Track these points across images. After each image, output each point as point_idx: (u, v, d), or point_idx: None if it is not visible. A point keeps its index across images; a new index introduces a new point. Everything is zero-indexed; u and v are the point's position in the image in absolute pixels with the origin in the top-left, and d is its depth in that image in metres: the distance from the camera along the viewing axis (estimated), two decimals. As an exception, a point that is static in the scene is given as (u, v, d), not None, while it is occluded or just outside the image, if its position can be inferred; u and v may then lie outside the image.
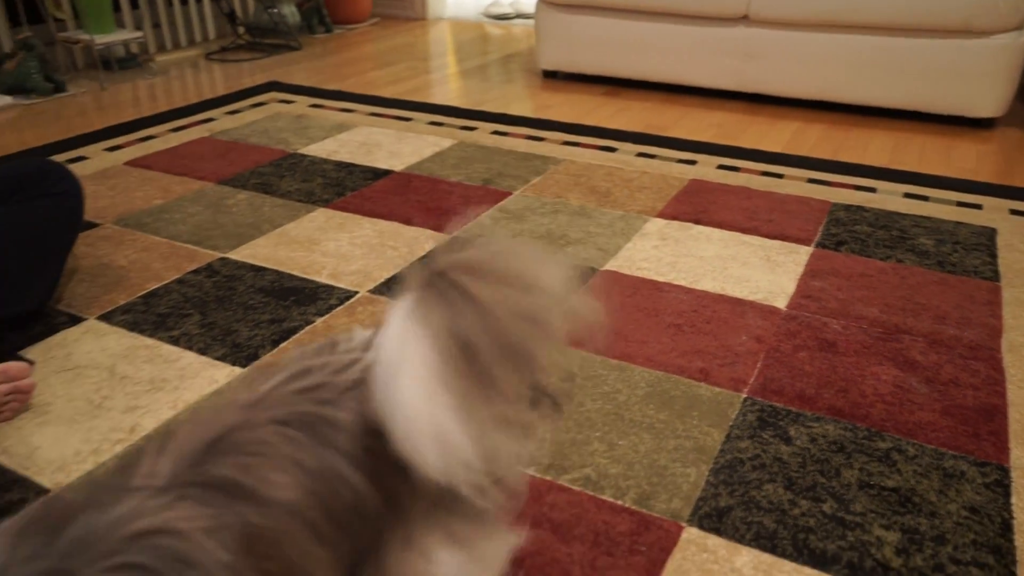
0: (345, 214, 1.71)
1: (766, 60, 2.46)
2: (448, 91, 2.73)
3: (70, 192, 1.32)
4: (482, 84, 2.82)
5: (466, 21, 4.01)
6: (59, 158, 2.06)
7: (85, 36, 2.75)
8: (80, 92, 2.72)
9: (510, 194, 1.83)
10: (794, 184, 1.91)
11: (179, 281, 1.43)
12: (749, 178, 1.94)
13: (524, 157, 2.07)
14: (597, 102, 2.61)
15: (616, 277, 1.47)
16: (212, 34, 3.53)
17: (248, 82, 2.85)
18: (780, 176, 1.96)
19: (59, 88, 2.68)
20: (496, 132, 2.26)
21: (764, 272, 1.49)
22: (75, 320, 1.31)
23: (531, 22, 3.97)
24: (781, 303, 1.39)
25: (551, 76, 2.92)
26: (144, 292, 1.39)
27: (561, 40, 2.76)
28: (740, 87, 2.54)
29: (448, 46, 3.47)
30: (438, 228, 1.65)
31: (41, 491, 0.95)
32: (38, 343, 1.24)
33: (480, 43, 3.52)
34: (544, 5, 2.76)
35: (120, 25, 3.07)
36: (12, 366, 1.07)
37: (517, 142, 2.18)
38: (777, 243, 1.61)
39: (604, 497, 0.96)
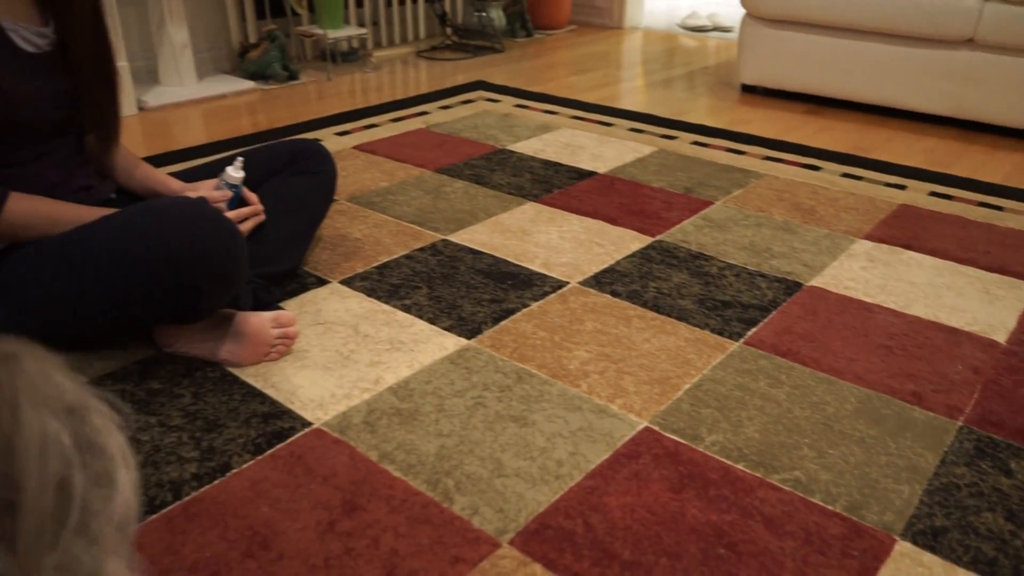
0: (553, 209, 1.81)
1: (988, 86, 2.34)
2: (646, 99, 2.79)
3: (328, 171, 1.49)
4: (680, 94, 2.85)
5: (661, 31, 4.05)
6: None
7: (319, 31, 3.03)
8: (309, 81, 3.00)
9: (712, 203, 1.86)
10: (1016, 218, 1.82)
11: (407, 257, 1.58)
12: (964, 208, 1.87)
13: (725, 169, 2.09)
14: (798, 119, 2.58)
15: (822, 294, 1.48)
16: (423, 33, 3.77)
17: (455, 80, 3.04)
18: (999, 208, 1.87)
19: (292, 76, 2.97)
20: (696, 143, 2.30)
21: (982, 304, 1.45)
22: (321, 282, 1.48)
23: (727, 35, 3.95)
24: (1001, 337, 1.35)
25: (750, 90, 2.91)
26: (377, 263, 1.55)
27: (764, 54, 2.74)
28: (955, 113, 2.43)
29: (644, 55, 3.52)
30: (642, 230, 1.72)
31: (305, 423, 1.10)
32: (293, 298, 1.42)
33: (676, 54, 3.55)
34: (750, 19, 2.76)
35: (347, 22, 3.35)
36: (283, 315, 1.23)
37: (717, 154, 2.21)
38: (996, 276, 1.55)
39: (814, 500, 0.98)
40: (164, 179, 1.37)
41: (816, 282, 1.52)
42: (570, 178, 2.00)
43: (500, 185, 1.95)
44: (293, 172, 1.46)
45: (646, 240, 1.67)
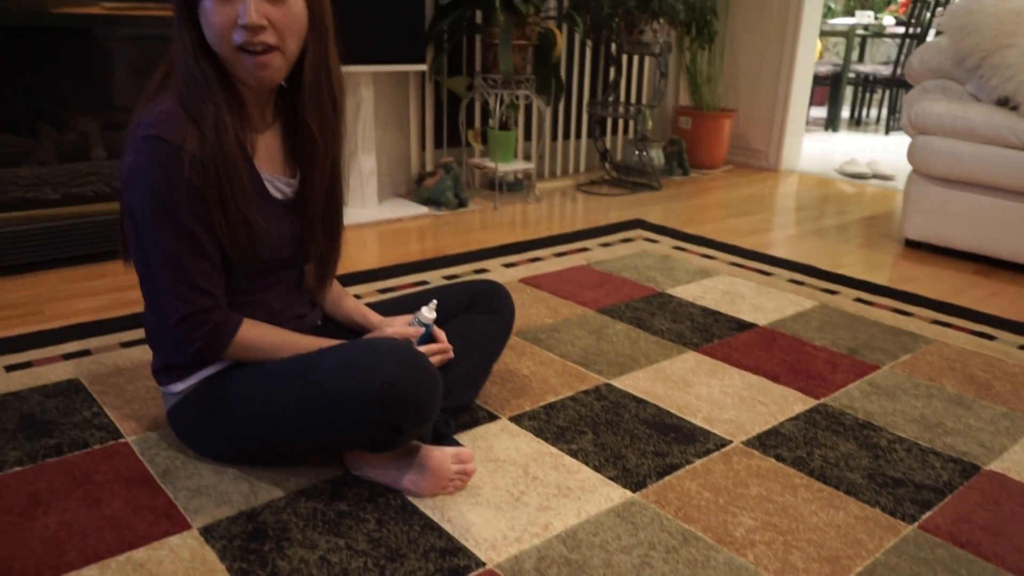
0: (714, 361, 1.84)
1: None
2: (805, 248, 2.80)
3: (508, 312, 1.59)
4: (840, 245, 2.84)
5: (818, 176, 4.07)
6: (464, 269, 2.46)
7: (490, 164, 3.26)
8: (477, 209, 3.21)
9: (878, 368, 1.84)
10: None
11: (572, 399, 1.64)
12: None
13: (891, 331, 2.06)
14: (967, 280, 2.51)
15: (1003, 481, 1.41)
16: (583, 167, 3.97)
17: (614, 216, 3.17)
18: None
19: (462, 204, 3.20)
20: (859, 299, 2.28)
21: None
22: (492, 417, 1.56)
23: (887, 184, 3.92)
24: None
25: (914, 246, 2.86)
26: (544, 403, 1.62)
27: (930, 211, 2.71)
28: None
29: (801, 200, 3.55)
30: (806, 391, 1.71)
31: (479, 563, 1.16)
32: (466, 432, 1.50)
33: (834, 201, 3.55)
34: (916, 175, 2.75)
35: (515, 156, 3.59)
36: (463, 452, 1.32)
37: (882, 313, 2.18)
38: None
39: None
40: (365, 311, 1.51)
41: (995, 466, 1.46)
42: (730, 328, 2.03)
43: (661, 331, 2.00)
44: (476, 311, 1.58)
45: (810, 402, 1.66)
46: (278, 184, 1.32)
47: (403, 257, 2.56)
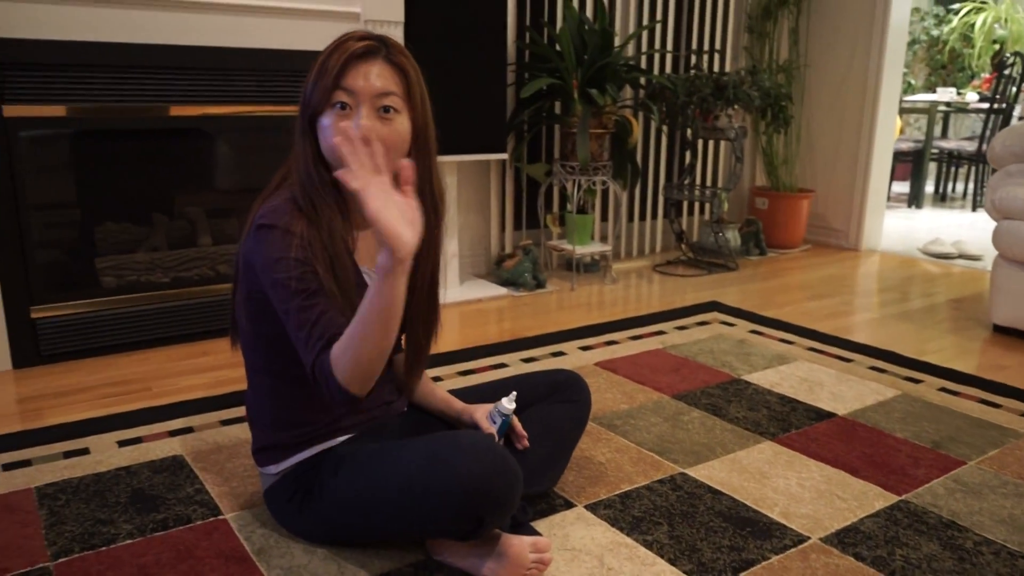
0: (792, 452, 1.84)
1: None
2: (887, 333, 2.76)
3: (585, 402, 1.65)
4: (924, 330, 2.80)
5: (901, 256, 4.01)
6: (541, 351, 2.53)
7: (568, 246, 3.36)
8: (555, 290, 3.30)
9: (964, 463, 1.80)
10: None
11: (647, 488, 1.67)
12: None
13: (978, 423, 2.01)
14: (1062, 370, 2.43)
15: (1099, 590, 1.36)
16: (659, 247, 4.03)
17: (690, 298, 3.20)
18: None
19: (540, 285, 3.29)
20: (944, 389, 2.23)
21: None
22: (568, 504, 1.60)
23: (975, 264, 3.83)
24: None
25: (1003, 331, 2.79)
26: (619, 491, 1.65)
27: (1019, 296, 2.65)
28: None
29: (882, 282, 3.50)
30: (887, 486, 1.69)
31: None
32: (542, 519, 1.55)
33: (918, 282, 3.49)
34: (1002, 260, 2.70)
35: (592, 238, 3.68)
36: (540, 541, 1.36)
37: (969, 404, 2.13)
38: None
39: None
40: (449, 399, 1.59)
41: (1092, 574, 1.40)
42: (808, 418, 2.03)
43: (737, 419, 2.01)
44: (553, 400, 1.63)
45: (891, 499, 1.64)
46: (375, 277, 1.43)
47: (482, 338, 2.65)
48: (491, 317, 2.92)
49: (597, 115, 3.22)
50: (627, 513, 1.57)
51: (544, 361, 2.41)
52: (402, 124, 1.31)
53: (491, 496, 1.22)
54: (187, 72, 2.41)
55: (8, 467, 1.71)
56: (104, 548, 1.42)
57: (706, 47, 4.00)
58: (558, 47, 3.31)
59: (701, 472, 1.74)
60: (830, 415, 2.05)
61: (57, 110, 2.26)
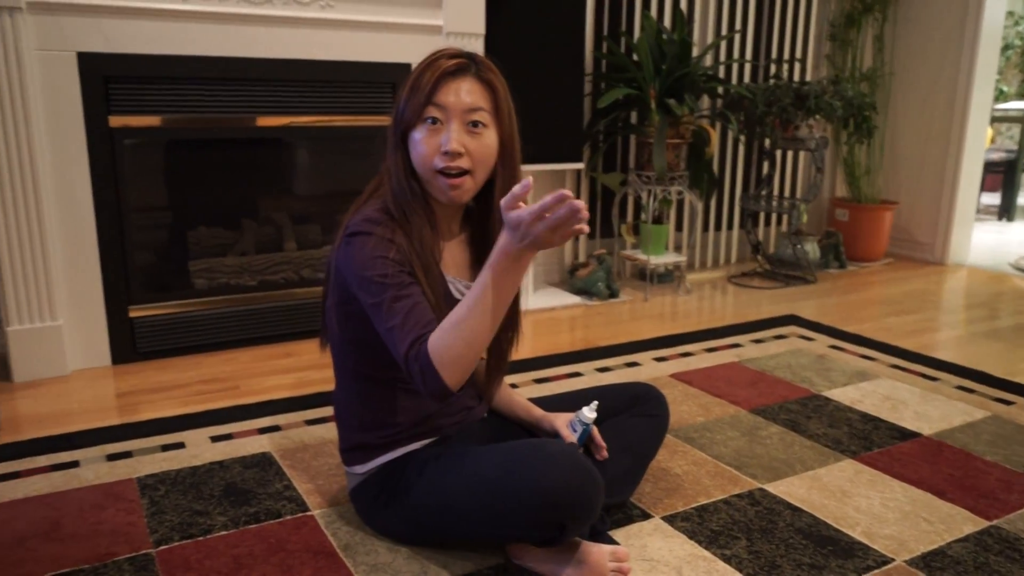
0: (874, 471, 1.80)
1: None
2: (975, 351, 2.67)
3: (664, 416, 1.65)
4: (1015, 349, 2.69)
5: (990, 271, 3.86)
6: (616, 361, 2.53)
7: (642, 256, 3.35)
8: (628, 300, 3.29)
9: (1059, 489, 1.73)
10: None
11: (725, 502, 1.66)
12: None
13: (1074, 448, 1.93)
14: None
15: None
16: (734, 259, 3.98)
17: (766, 311, 3.15)
18: None
19: (613, 294, 3.29)
20: (1037, 411, 2.15)
21: None
22: (645, 515, 1.61)
23: (1071, 281, 3.66)
24: None
25: (1102, 352, 2.66)
26: (696, 504, 1.65)
27: (1121, 317, 2.53)
28: None
29: (970, 298, 3.38)
30: (976, 511, 1.64)
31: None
32: (620, 528, 1.56)
33: (1008, 299, 3.36)
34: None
35: (666, 248, 3.66)
36: (619, 551, 1.37)
37: (1064, 428, 2.05)
38: None
39: None
40: (529, 407, 1.62)
41: None
42: (891, 437, 1.98)
43: (817, 435, 1.98)
44: (633, 413, 1.64)
45: (981, 523, 1.59)
46: (459, 287, 1.47)
47: (555, 346, 2.67)
48: (564, 326, 2.94)
49: (674, 125, 3.21)
50: (705, 526, 1.56)
51: (618, 371, 2.42)
52: (490, 138, 1.36)
53: (575, 504, 1.24)
54: (274, 84, 2.51)
55: (112, 457, 1.82)
56: (201, 538, 1.49)
57: (786, 56, 3.94)
58: (635, 57, 3.31)
59: (780, 488, 1.72)
60: (915, 435, 2.00)
61: (153, 120, 2.38)
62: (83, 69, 2.24)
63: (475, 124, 1.34)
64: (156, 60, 2.33)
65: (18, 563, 1.41)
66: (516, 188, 1.12)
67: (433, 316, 1.28)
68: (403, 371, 1.25)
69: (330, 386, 2.27)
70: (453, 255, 1.48)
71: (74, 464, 1.78)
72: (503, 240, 1.16)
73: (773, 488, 1.72)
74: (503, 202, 1.14)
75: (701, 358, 2.55)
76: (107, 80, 2.28)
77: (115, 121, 2.32)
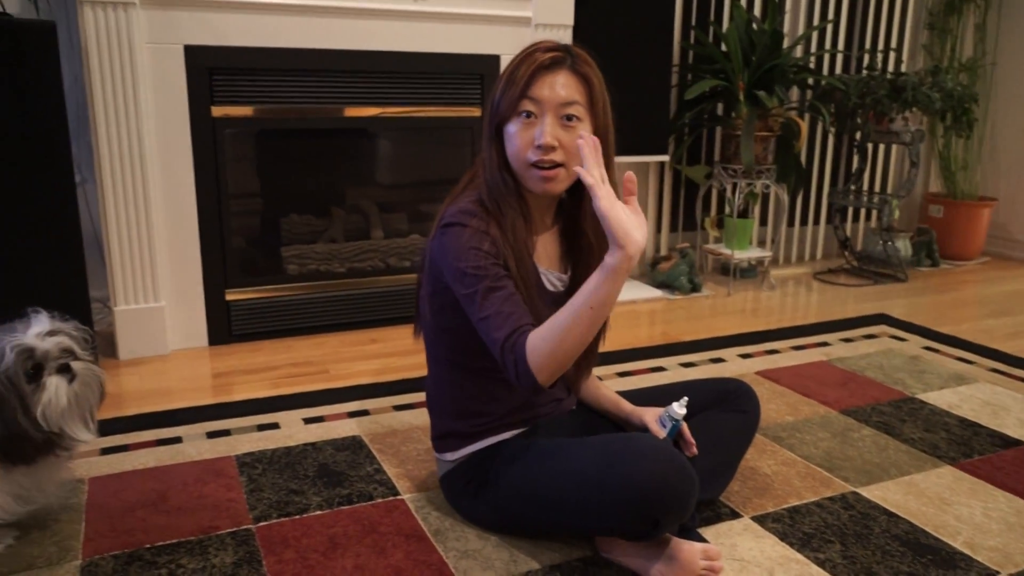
0: (975, 479, 1.74)
1: None
2: (1082, 358, 2.54)
3: (755, 413, 1.63)
4: None
5: (1097, 273, 3.66)
6: (700, 356, 2.50)
7: (726, 251, 3.30)
8: (710, 295, 3.25)
9: None
10: None
11: (817, 504, 1.63)
12: None
13: None
14: None
15: None
16: (820, 254, 3.88)
17: (854, 309, 3.06)
18: None
19: (695, 289, 3.25)
20: None
21: None
22: (734, 514, 1.59)
23: None
24: None
25: None
26: (787, 505, 1.62)
27: None
28: None
29: (1076, 301, 3.22)
30: (1087, 525, 1.57)
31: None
32: (709, 527, 1.54)
33: (1119, 304, 3.18)
34: None
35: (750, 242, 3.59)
36: (711, 549, 1.36)
37: None
38: None
39: None
40: (618, 400, 1.62)
41: None
42: (993, 444, 1.91)
43: (912, 440, 1.92)
44: (723, 409, 1.62)
45: (1092, 539, 1.52)
46: (551, 278, 1.48)
47: (636, 340, 2.65)
48: (645, 319, 2.92)
49: (763, 117, 3.15)
50: (797, 528, 1.54)
51: (703, 367, 2.39)
52: (584, 131, 1.35)
53: (668, 499, 1.24)
54: (366, 75, 2.56)
55: (211, 435, 1.90)
56: (298, 516, 1.55)
57: (880, 46, 3.80)
58: (724, 48, 3.25)
59: (875, 492, 1.68)
60: (1018, 443, 1.92)
61: (250, 110, 2.46)
62: (189, 61, 2.33)
63: (569, 118, 1.33)
64: (255, 52, 2.40)
65: (130, 531, 1.49)
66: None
67: (527, 309, 1.29)
68: (497, 360, 1.27)
69: (416, 373, 2.31)
70: (546, 247, 1.49)
71: (177, 440, 1.87)
72: (613, 258, 1.18)
73: (867, 492, 1.68)
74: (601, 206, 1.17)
75: (788, 356, 2.50)
76: (211, 72, 2.37)
77: (217, 111, 2.40)
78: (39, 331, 1.33)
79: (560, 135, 1.33)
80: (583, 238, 1.46)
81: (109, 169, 2.28)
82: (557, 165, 1.35)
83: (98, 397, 1.43)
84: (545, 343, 1.21)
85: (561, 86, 1.33)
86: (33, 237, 2.14)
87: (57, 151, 2.16)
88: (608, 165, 1.40)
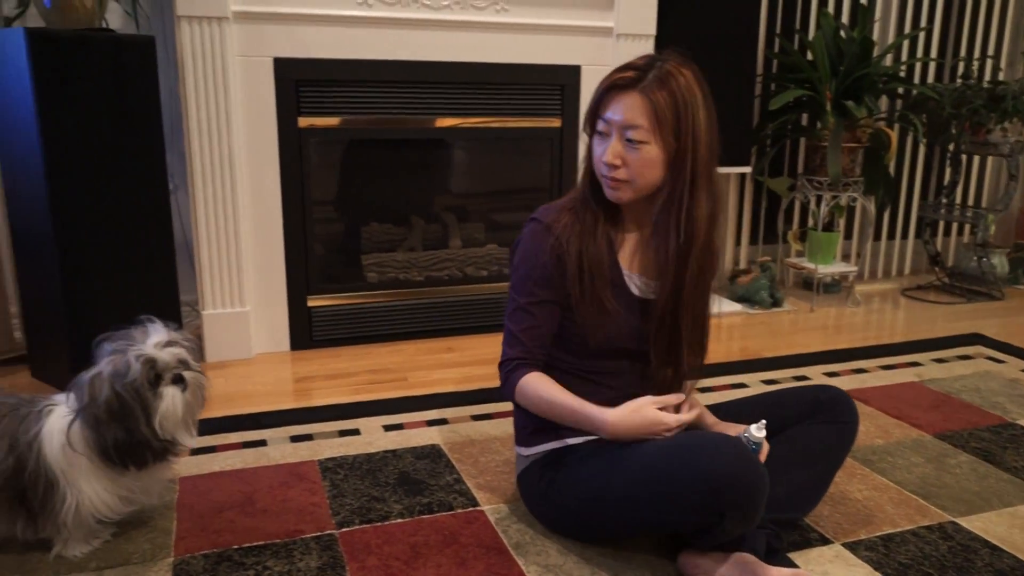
0: (1086, 513, 1.64)
1: None
2: None
3: (850, 421, 1.54)
4: None
5: None
6: (783, 374, 2.43)
7: (809, 265, 3.21)
8: (792, 310, 3.16)
9: None
10: None
11: (913, 533, 1.56)
12: None
13: None
14: None
15: None
16: (908, 270, 3.73)
17: (945, 328, 2.93)
18: None
19: (776, 303, 3.16)
20: None
21: None
22: (824, 540, 1.53)
23: None
24: None
25: None
26: (881, 533, 1.55)
27: None
28: None
29: None
30: None
31: None
32: (797, 552, 1.49)
33: None
34: None
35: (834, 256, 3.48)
36: (800, 574, 1.31)
37: None
38: None
39: None
40: (703, 411, 1.58)
41: None
42: (1105, 477, 1.79)
43: (1015, 469, 1.82)
44: (815, 420, 1.54)
45: None
46: (636, 281, 1.48)
47: (715, 355, 2.59)
48: (723, 334, 2.86)
49: (851, 128, 3.05)
50: (892, 558, 1.47)
51: (786, 384, 2.32)
52: (650, 153, 1.37)
53: (735, 487, 1.23)
54: (446, 86, 2.58)
55: (295, 439, 1.93)
56: (379, 523, 1.56)
57: (977, 53, 3.65)
58: (810, 56, 3.17)
59: (975, 524, 1.59)
60: None
61: (334, 121, 2.51)
62: (278, 73, 2.39)
63: (631, 140, 1.37)
64: (341, 64, 2.45)
65: (219, 532, 1.52)
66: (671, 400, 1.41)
67: (541, 342, 1.48)
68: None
69: (494, 383, 2.31)
70: (636, 248, 1.50)
71: (262, 443, 1.91)
72: (604, 420, 1.39)
73: (967, 523, 1.59)
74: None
75: (876, 375, 2.41)
76: (298, 84, 2.42)
77: (303, 122, 2.46)
78: (158, 341, 1.38)
79: (624, 155, 1.39)
80: (657, 250, 1.45)
81: (201, 178, 2.35)
82: (621, 182, 1.41)
83: (201, 405, 1.47)
84: (530, 399, 1.46)
85: (626, 108, 1.37)
86: (130, 242, 2.23)
87: (153, 160, 2.25)
88: (681, 186, 1.38)
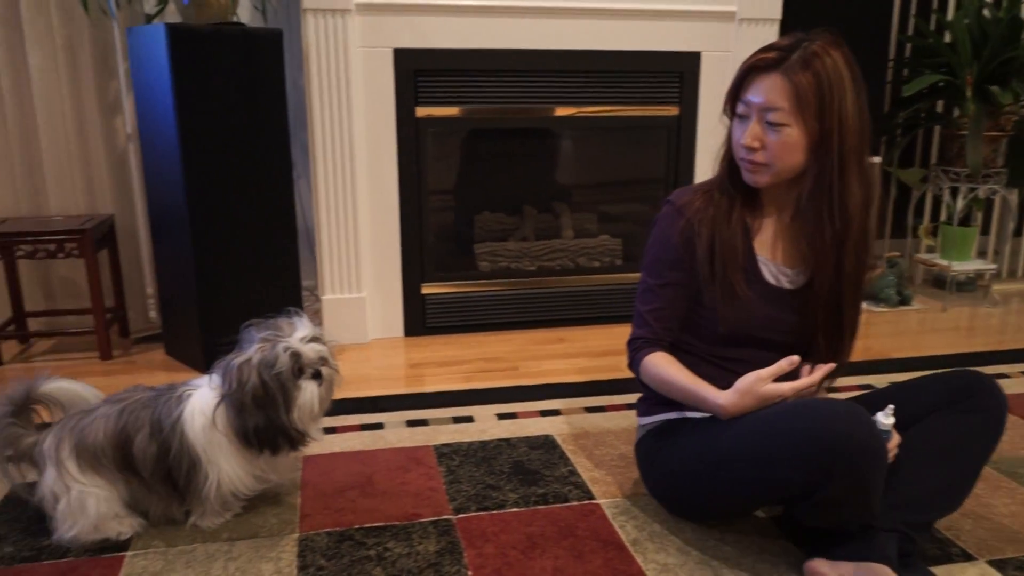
0: None
1: None
2: None
3: (996, 408, 1.39)
4: None
5: None
6: (912, 376, 2.29)
7: (942, 261, 3.01)
8: (921, 309, 2.98)
9: None
10: None
11: (1068, 553, 1.43)
12: None
13: None
14: None
15: None
16: (1053, 269, 3.46)
17: (1100, 332, 2.70)
18: None
19: (904, 301, 2.99)
20: None
21: None
22: (966, 556, 1.43)
23: None
24: None
25: None
26: (1031, 551, 1.44)
27: None
28: None
29: None
30: None
31: None
32: (935, 567, 1.40)
33: None
34: None
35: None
36: (882, 570, 1.23)
37: None
38: None
39: None
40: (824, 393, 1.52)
41: None
42: None
43: None
44: (954, 410, 1.41)
45: None
46: (772, 269, 1.43)
47: (841, 354, 2.47)
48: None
49: (993, 115, 2.84)
50: (1045, 579, 1.36)
51: (918, 388, 2.19)
52: (790, 135, 1.32)
53: (847, 446, 1.19)
54: (563, 74, 2.56)
55: (411, 423, 1.96)
56: (496, 511, 1.56)
57: None
58: (949, 39, 2.97)
59: None
60: None
61: (451, 110, 2.52)
62: (397, 63, 2.43)
63: (772, 123, 1.32)
64: (458, 54, 2.46)
65: (341, 511, 1.56)
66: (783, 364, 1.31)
67: (668, 323, 1.47)
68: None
69: (606, 375, 2.28)
70: (775, 236, 1.45)
71: (379, 426, 1.95)
72: (720, 402, 1.35)
73: None
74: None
75: (1020, 382, 2.24)
76: (416, 73, 2.45)
77: (421, 112, 2.49)
78: (303, 335, 1.43)
79: (763, 137, 1.34)
80: (805, 240, 1.39)
81: (322, 166, 2.42)
82: (759, 165, 1.37)
83: (329, 400, 1.52)
84: (651, 378, 1.45)
85: (766, 90, 1.32)
86: (257, 229, 2.32)
87: (279, 150, 2.32)
88: (828, 169, 1.32)
